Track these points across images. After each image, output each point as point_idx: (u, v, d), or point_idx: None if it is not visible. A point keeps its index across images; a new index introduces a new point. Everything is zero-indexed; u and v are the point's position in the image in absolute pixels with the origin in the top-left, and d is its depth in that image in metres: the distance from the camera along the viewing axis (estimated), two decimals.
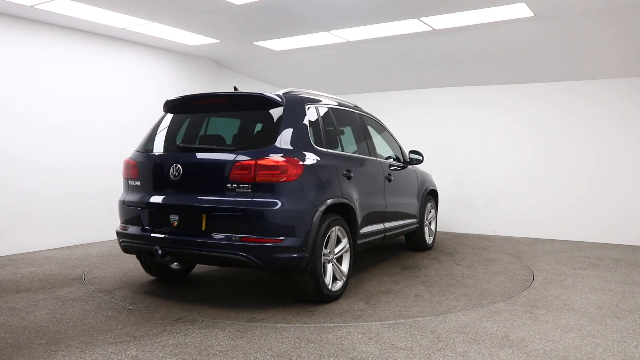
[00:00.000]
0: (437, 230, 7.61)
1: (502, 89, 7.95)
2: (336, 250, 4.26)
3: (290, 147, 3.88)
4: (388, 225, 5.29)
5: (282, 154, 3.78)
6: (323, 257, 4.03)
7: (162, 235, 3.99)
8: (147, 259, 4.53)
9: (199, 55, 8.22)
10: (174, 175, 3.99)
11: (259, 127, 4.11)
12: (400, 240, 6.96)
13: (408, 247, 6.59)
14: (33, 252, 6.26)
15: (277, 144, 3.82)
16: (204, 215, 3.85)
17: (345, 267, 4.35)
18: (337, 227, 4.19)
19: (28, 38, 6.23)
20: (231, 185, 3.77)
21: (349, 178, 4.43)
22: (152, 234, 4.06)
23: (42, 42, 6.37)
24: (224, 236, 3.76)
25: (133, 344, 3.24)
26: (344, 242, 4.33)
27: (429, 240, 6.58)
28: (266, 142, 3.85)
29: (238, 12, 5.82)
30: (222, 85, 8.68)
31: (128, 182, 4.37)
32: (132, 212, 4.26)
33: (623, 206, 7.05)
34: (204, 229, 3.84)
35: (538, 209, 7.66)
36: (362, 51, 7.44)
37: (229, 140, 4.18)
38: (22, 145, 6.20)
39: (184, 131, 4.36)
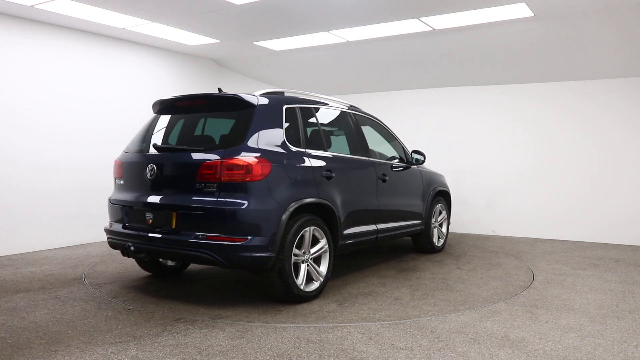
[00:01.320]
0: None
1: (502, 89, 7.95)
2: (312, 250, 4.26)
3: (259, 147, 3.91)
4: (382, 226, 5.22)
5: (248, 154, 3.82)
6: (294, 257, 4.05)
7: (137, 233, 4.14)
8: (130, 255, 4.57)
9: (199, 55, 8.22)
10: (150, 175, 4.14)
11: (230, 127, 4.14)
12: (408, 241, 6.88)
13: (415, 249, 6.45)
14: (33, 252, 6.26)
15: (245, 144, 3.87)
16: (174, 214, 3.95)
17: (323, 268, 4.34)
18: (312, 228, 4.19)
19: (28, 38, 6.24)
20: (199, 185, 3.86)
21: (329, 178, 4.42)
22: (130, 231, 4.22)
23: (42, 42, 6.37)
24: (191, 234, 3.84)
25: (133, 344, 3.24)
26: (322, 242, 4.32)
27: (437, 242, 6.40)
28: (234, 142, 3.91)
29: (238, 12, 5.82)
30: (222, 85, 8.67)
31: (115, 181, 4.60)
32: (116, 210, 4.45)
33: (623, 206, 7.05)
34: (174, 227, 3.95)
35: (538, 209, 7.66)
36: (362, 51, 7.44)
37: (201, 141, 4.27)
38: (22, 145, 6.20)
39: (163, 132, 4.46)
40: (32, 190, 6.30)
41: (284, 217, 3.90)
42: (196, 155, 3.96)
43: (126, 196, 4.36)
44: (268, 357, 3.06)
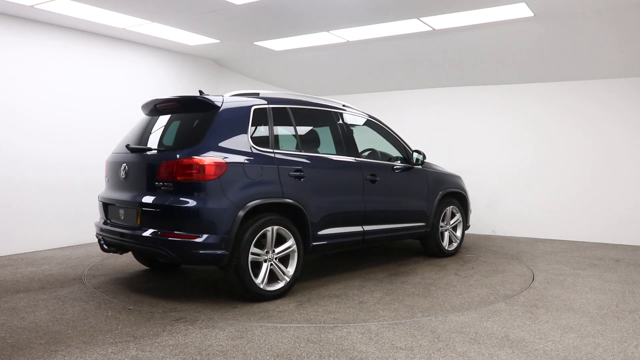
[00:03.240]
0: None
1: (502, 89, 7.95)
2: (278, 250, 4.30)
3: (215, 148, 4.03)
4: (370, 228, 5.13)
5: (202, 154, 3.95)
6: (253, 256, 4.12)
7: (113, 228, 4.43)
8: (103, 249, 4.75)
9: (199, 55, 8.22)
10: (123, 174, 4.45)
11: (192, 128, 4.28)
12: (417, 244, 6.62)
13: (423, 252, 6.22)
14: (33, 252, 6.26)
15: (202, 144, 4.01)
16: (138, 211, 4.18)
17: (291, 268, 4.37)
18: (275, 227, 4.23)
19: (28, 38, 6.24)
20: (158, 184, 4.07)
21: (298, 178, 4.44)
22: (108, 227, 4.52)
23: (42, 42, 6.37)
24: (151, 231, 4.05)
25: (133, 344, 3.24)
26: (290, 242, 4.35)
27: (448, 246, 6.12)
28: (193, 143, 4.05)
29: (238, 12, 5.82)
30: (222, 85, 8.69)
31: (105, 180, 4.94)
32: (100, 207, 4.82)
33: (623, 206, 7.04)
34: (138, 223, 4.18)
35: (538, 209, 7.65)
36: (362, 51, 7.44)
37: (167, 142, 4.41)
38: (22, 145, 6.20)
39: (140, 133, 4.66)
40: (32, 190, 6.30)
41: (239, 216, 3.99)
42: (158, 156, 4.20)
43: (108, 194, 4.70)
44: (268, 357, 3.06)
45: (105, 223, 4.60)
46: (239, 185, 4.05)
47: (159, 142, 4.43)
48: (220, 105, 4.21)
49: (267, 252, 4.23)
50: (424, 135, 8.41)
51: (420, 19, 5.96)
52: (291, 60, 8.18)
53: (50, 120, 6.47)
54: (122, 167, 4.44)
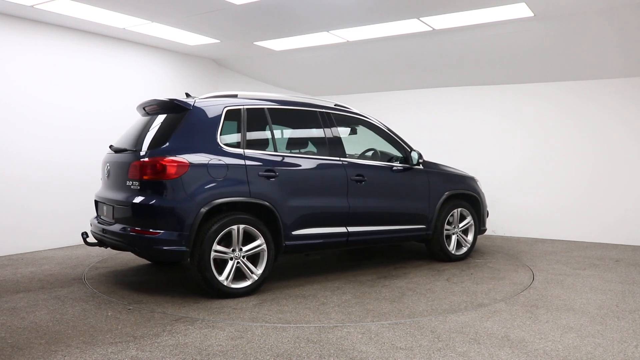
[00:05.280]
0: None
1: (502, 89, 7.95)
2: (246, 248, 4.36)
3: (179, 148, 4.19)
4: (356, 229, 5.06)
5: (165, 155, 4.13)
6: (217, 254, 4.21)
7: (99, 225, 4.68)
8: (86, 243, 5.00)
9: (199, 55, 8.22)
10: (107, 174, 4.80)
11: (163, 130, 4.43)
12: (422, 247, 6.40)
13: (429, 255, 5.97)
14: (33, 252, 6.26)
15: (168, 145, 4.20)
16: (113, 208, 4.49)
17: (260, 267, 4.42)
18: (241, 226, 4.31)
19: (28, 38, 6.24)
20: (128, 183, 4.33)
21: (270, 177, 4.48)
22: (97, 223, 4.77)
23: (42, 42, 6.37)
24: (121, 227, 4.31)
25: (133, 344, 3.24)
26: (259, 241, 4.40)
27: (455, 250, 5.83)
28: (160, 143, 4.25)
29: (238, 12, 5.82)
30: (222, 85, 8.69)
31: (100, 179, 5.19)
32: (94, 204, 5.10)
33: (623, 206, 7.04)
34: (113, 219, 4.49)
35: (538, 209, 7.65)
36: (362, 51, 7.44)
37: (141, 143, 4.52)
38: (22, 145, 6.20)
39: (129, 134, 4.83)
40: (33, 190, 6.30)
41: (200, 213, 4.11)
42: (131, 156, 4.40)
43: (98, 191, 5.04)
44: (268, 357, 3.06)
45: (96, 219, 4.91)
46: (201, 185, 4.17)
47: (136, 143, 4.57)
48: (190, 108, 4.38)
49: (234, 250, 4.31)
50: (423, 135, 8.40)
51: (420, 19, 5.96)
52: (291, 60, 8.18)
53: (50, 120, 6.47)
54: (106, 167, 4.79)
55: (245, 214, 4.36)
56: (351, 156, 5.33)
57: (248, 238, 4.39)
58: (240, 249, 4.34)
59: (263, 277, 4.44)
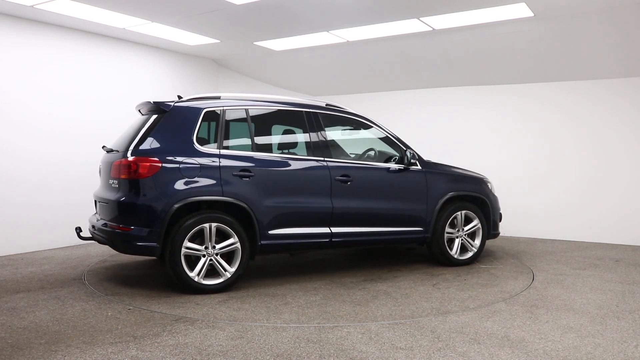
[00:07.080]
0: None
1: (502, 89, 7.95)
2: (219, 246, 4.47)
3: (152, 149, 4.41)
4: (340, 230, 5.00)
5: (138, 155, 4.36)
6: (188, 250, 4.37)
7: (93, 221, 4.95)
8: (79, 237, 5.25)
9: (199, 55, 8.22)
10: (99, 173, 5.13)
11: (144, 131, 4.60)
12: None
13: (431, 259, 5.79)
14: (33, 252, 6.26)
15: (143, 145, 4.42)
16: (100, 205, 4.82)
17: (234, 265, 4.53)
18: (214, 224, 4.43)
19: (28, 38, 6.24)
20: (110, 181, 4.64)
21: (245, 177, 4.57)
22: (92, 219, 5.05)
23: (42, 42, 6.37)
24: (103, 223, 4.62)
25: (133, 344, 3.25)
26: (232, 240, 4.50)
27: (459, 255, 5.58)
28: (138, 144, 4.46)
29: (238, 12, 5.82)
30: (222, 85, 8.69)
31: None
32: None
33: (623, 206, 7.04)
34: (100, 216, 4.83)
35: (538, 209, 7.65)
36: (362, 51, 7.44)
37: (125, 143, 4.67)
38: (22, 145, 6.20)
39: (120, 135, 5.04)
40: (32, 190, 6.30)
41: (170, 211, 4.29)
42: (114, 156, 4.64)
43: (95, 190, 5.23)
44: (268, 357, 3.06)
45: (94, 216, 5.15)
46: (173, 183, 4.34)
47: (122, 143, 4.72)
48: (168, 110, 4.58)
49: (207, 248, 4.42)
50: (423, 135, 8.40)
51: (420, 19, 5.96)
52: (291, 60, 8.18)
53: (50, 120, 6.47)
54: (100, 167, 5.14)
55: (218, 212, 4.48)
56: (350, 156, 5.31)
57: (224, 236, 4.50)
58: (214, 247, 4.44)
59: (237, 275, 4.54)
